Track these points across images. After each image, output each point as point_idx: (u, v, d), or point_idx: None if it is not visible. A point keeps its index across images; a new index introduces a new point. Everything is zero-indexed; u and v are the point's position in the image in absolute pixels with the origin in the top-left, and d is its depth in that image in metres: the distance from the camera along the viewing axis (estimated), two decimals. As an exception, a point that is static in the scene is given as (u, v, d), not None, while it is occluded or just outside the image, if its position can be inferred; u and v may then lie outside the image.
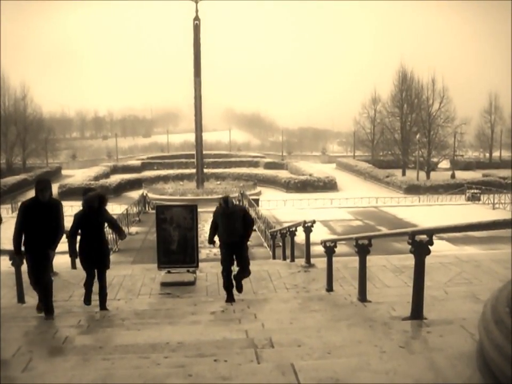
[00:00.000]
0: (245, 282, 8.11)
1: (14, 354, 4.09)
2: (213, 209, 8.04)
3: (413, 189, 41.81)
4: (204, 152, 44.10)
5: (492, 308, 2.05)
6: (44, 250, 6.05)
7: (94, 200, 6.60)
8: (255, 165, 60.18)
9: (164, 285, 8.73)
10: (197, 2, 38.68)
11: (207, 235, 8.30)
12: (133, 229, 23.57)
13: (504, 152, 65.32)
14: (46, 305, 6.12)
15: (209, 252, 17.48)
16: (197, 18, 39.22)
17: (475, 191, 36.42)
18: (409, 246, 4.61)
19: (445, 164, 54.88)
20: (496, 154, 64.53)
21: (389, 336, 3.91)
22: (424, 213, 29.68)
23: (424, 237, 4.52)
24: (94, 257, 6.62)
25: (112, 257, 17.42)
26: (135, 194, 38.67)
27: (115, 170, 54.81)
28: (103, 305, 6.74)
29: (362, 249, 6.16)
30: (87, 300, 6.74)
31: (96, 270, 6.72)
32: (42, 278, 6.08)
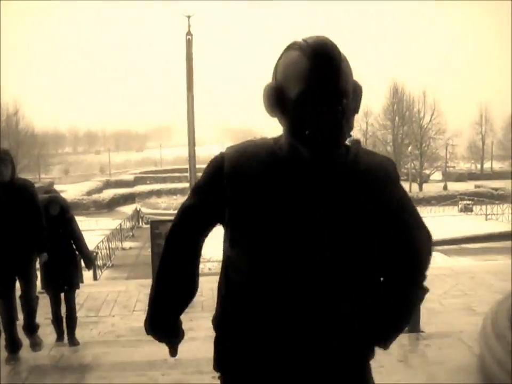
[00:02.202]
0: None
1: (9, 373, 4.05)
2: None
3: (406, 201, 41.89)
4: (197, 166, 43.49)
5: (492, 322, 2.05)
6: (19, 256, 4.11)
7: (48, 205, 4.89)
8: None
9: (159, 300, 8.66)
10: (189, 18, 39.14)
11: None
12: (127, 244, 23.45)
13: (495, 164, 65.84)
14: (27, 329, 4.41)
15: (203, 266, 17.34)
16: (189, 33, 39.46)
17: (467, 202, 36.62)
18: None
19: (437, 175, 55.27)
20: (487, 165, 65.07)
21: (387, 350, 3.90)
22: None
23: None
24: (60, 277, 5.09)
25: (106, 272, 17.42)
26: (128, 209, 38.53)
27: (108, 185, 54.65)
28: (71, 335, 5.21)
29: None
30: (60, 336, 5.27)
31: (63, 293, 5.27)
32: (24, 296, 4.32)
